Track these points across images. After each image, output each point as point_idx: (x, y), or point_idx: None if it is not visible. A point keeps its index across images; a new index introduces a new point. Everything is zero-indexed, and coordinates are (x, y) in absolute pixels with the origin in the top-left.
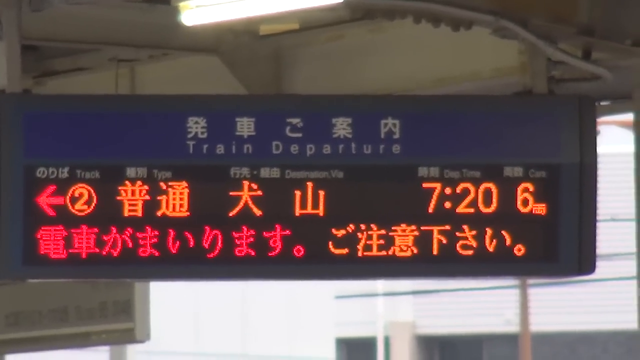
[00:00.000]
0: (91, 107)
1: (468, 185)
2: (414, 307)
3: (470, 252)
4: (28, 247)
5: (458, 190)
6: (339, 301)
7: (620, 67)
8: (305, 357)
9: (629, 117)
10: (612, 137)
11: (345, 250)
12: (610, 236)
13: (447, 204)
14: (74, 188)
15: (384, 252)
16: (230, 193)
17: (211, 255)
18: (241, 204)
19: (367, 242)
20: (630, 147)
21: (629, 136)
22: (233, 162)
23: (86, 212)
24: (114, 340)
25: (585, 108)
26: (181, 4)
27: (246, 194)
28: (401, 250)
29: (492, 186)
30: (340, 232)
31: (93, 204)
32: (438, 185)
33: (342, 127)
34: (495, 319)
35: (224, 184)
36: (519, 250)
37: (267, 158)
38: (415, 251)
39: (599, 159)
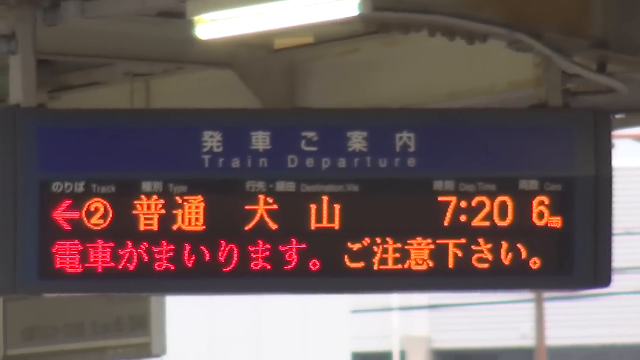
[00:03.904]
0: (106, 122)
1: (483, 198)
2: (429, 321)
3: (485, 266)
4: (44, 261)
5: (473, 203)
6: (355, 315)
7: (635, 80)
8: None
9: None
10: (626, 151)
11: (360, 264)
12: (624, 250)
13: (463, 217)
14: (89, 202)
15: (399, 266)
16: (246, 207)
17: (227, 269)
18: (257, 218)
19: (383, 256)
20: None
21: None
22: (248, 175)
23: (102, 227)
24: (130, 354)
25: (600, 121)
26: (196, 18)
27: (262, 208)
28: (417, 263)
29: (507, 199)
30: (356, 246)
31: (109, 218)
32: (453, 199)
33: (357, 140)
34: (510, 333)
35: (240, 197)
36: (535, 263)
37: (282, 172)
38: (430, 264)
39: (613, 172)
